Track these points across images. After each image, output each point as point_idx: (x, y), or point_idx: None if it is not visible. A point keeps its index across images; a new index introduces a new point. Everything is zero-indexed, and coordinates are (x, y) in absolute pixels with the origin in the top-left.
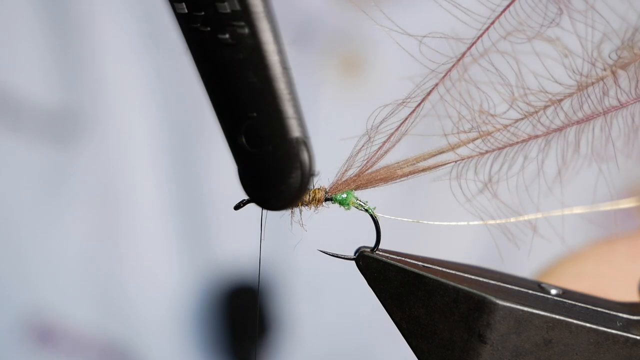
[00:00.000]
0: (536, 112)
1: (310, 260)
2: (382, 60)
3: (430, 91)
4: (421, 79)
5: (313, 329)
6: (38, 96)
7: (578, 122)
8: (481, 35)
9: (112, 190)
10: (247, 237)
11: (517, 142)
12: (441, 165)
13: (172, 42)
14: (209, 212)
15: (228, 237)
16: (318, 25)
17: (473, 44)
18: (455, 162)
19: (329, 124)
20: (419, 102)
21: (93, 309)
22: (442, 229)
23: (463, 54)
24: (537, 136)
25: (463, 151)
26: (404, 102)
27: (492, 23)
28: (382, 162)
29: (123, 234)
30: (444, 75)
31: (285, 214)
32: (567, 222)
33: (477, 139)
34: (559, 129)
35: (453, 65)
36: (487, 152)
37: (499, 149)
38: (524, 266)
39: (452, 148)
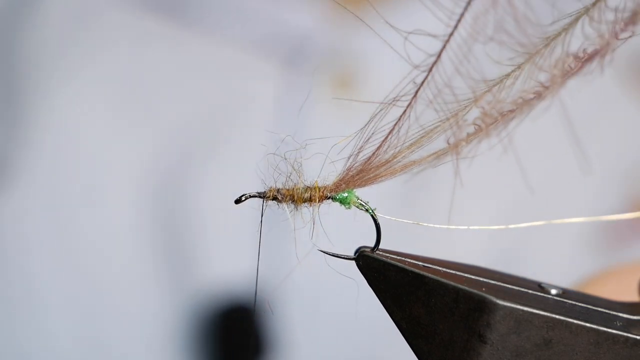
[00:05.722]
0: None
1: (305, 271)
2: (374, 76)
3: (419, 88)
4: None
5: (311, 342)
6: None
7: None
8: (452, 33)
9: (86, 218)
10: (235, 256)
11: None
12: (440, 153)
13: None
14: (195, 233)
15: (216, 257)
16: (310, 44)
17: (447, 41)
18: (450, 148)
19: (322, 141)
20: (411, 99)
21: (79, 341)
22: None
23: (441, 51)
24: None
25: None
26: (395, 101)
27: (459, 21)
28: (380, 158)
29: (106, 263)
30: (430, 69)
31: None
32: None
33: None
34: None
35: (435, 60)
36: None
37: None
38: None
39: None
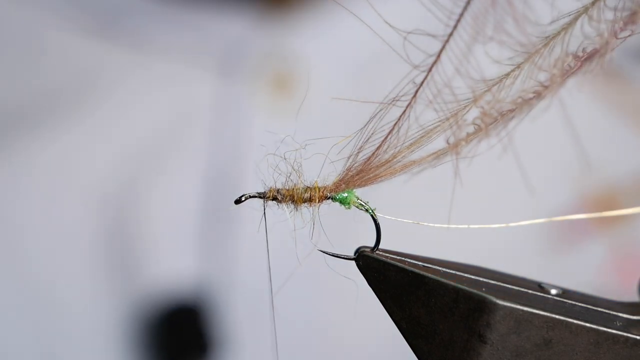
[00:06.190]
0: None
1: (249, 272)
2: (311, 76)
3: (418, 88)
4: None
5: (255, 344)
6: None
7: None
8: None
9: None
10: (180, 258)
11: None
12: (440, 153)
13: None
14: (139, 235)
15: (160, 259)
16: (241, 49)
17: (446, 41)
18: (450, 148)
19: (265, 144)
20: (410, 99)
21: (21, 342)
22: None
23: (441, 50)
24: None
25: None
26: (394, 101)
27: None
28: (380, 158)
29: (49, 264)
30: (430, 69)
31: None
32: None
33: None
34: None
35: (436, 60)
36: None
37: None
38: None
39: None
